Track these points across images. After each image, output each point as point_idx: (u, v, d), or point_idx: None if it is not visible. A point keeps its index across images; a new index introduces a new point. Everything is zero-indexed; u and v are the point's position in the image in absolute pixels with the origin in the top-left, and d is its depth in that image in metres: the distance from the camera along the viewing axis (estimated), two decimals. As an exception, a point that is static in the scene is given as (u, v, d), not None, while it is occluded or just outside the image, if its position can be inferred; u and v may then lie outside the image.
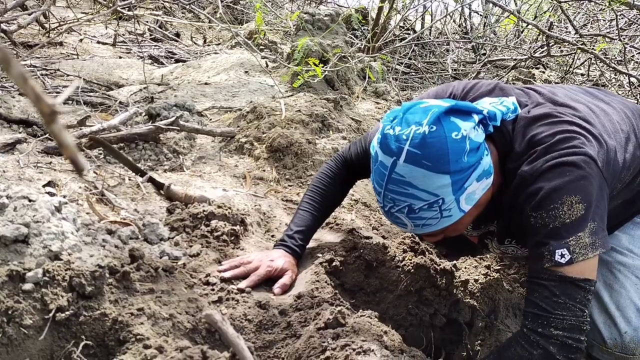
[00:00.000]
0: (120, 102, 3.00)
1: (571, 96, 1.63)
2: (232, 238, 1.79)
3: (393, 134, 1.35)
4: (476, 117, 1.39)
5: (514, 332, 1.60)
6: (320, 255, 1.82)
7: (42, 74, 3.22)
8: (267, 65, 3.93)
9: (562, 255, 1.35)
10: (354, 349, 1.24)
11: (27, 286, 1.20)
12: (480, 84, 1.67)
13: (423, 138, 1.30)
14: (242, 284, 1.56)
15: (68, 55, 3.91)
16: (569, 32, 5.68)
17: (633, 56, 5.29)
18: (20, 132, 2.29)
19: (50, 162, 2.06)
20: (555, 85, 1.66)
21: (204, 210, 1.83)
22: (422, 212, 1.37)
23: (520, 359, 1.41)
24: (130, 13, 4.29)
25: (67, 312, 1.21)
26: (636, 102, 4.26)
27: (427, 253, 1.94)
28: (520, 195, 1.41)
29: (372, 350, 1.24)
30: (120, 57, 4.27)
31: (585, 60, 5.61)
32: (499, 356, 1.46)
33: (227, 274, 1.57)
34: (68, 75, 3.33)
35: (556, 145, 1.39)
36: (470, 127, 1.35)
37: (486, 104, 1.49)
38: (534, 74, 5.65)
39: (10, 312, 1.16)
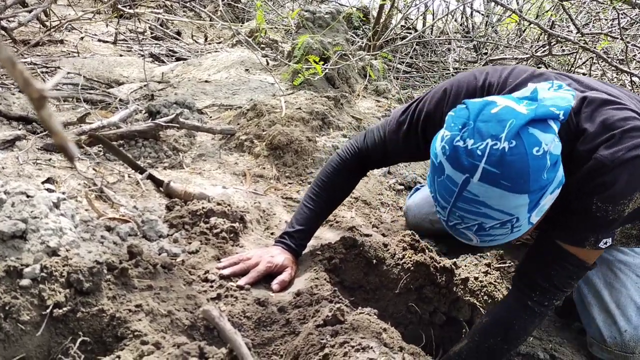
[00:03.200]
0: (120, 100, 3.00)
1: (600, 86, 1.55)
2: (232, 235, 1.79)
3: (464, 146, 1.19)
4: (554, 126, 1.24)
5: (507, 303, 1.58)
6: (319, 252, 1.82)
7: (42, 72, 3.21)
8: (267, 63, 3.93)
9: (605, 243, 1.37)
10: (352, 346, 1.24)
11: (25, 282, 1.20)
12: (518, 69, 1.53)
13: (502, 156, 1.15)
14: (242, 281, 1.55)
15: (69, 53, 3.91)
16: (571, 31, 5.66)
17: (635, 55, 5.28)
18: (19, 129, 2.29)
19: (50, 159, 2.05)
20: (574, 75, 1.60)
21: (203, 208, 1.83)
22: (492, 230, 1.26)
23: (523, 330, 1.51)
24: (131, 11, 4.29)
25: (65, 308, 1.21)
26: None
27: (427, 251, 1.94)
28: (593, 180, 1.30)
29: (371, 348, 1.24)
30: (120, 55, 4.26)
31: (587, 60, 5.59)
32: (505, 334, 1.52)
33: (226, 272, 1.56)
34: (69, 73, 3.33)
35: (632, 132, 1.29)
36: (551, 139, 1.20)
37: (547, 94, 1.31)
38: (535, 73, 5.63)
39: (7, 308, 1.16)
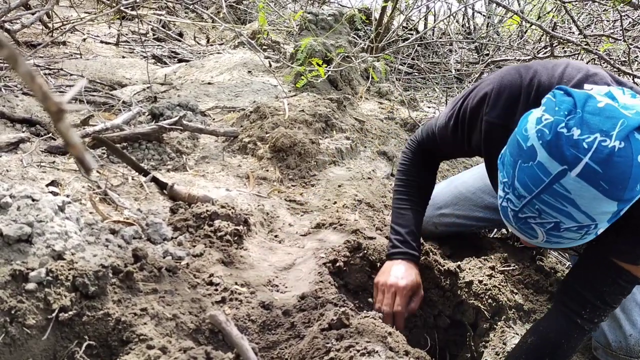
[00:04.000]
0: (123, 102, 3.00)
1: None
2: (236, 238, 1.79)
3: (569, 135, 1.08)
4: None
5: (555, 321, 1.54)
6: (324, 255, 1.82)
7: (45, 74, 3.22)
8: (270, 65, 3.93)
9: None
10: (358, 350, 1.24)
11: (30, 286, 1.20)
12: (571, 67, 1.40)
13: (610, 155, 1.06)
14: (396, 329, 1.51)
15: (71, 55, 3.91)
16: (573, 32, 5.66)
17: (637, 57, 5.28)
18: (23, 132, 2.29)
19: (54, 162, 2.05)
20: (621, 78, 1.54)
21: (207, 210, 1.83)
22: (565, 232, 1.16)
23: (572, 349, 1.51)
24: (134, 13, 4.29)
25: (70, 312, 1.21)
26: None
27: (430, 254, 1.94)
28: None
29: (377, 352, 1.24)
30: (123, 57, 4.27)
31: (589, 61, 5.59)
32: (553, 354, 1.50)
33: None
34: (71, 75, 3.33)
35: None
36: None
37: (628, 101, 1.19)
38: (537, 75, 5.62)
39: (13, 312, 1.16)
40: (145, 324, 1.26)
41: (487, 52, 6.81)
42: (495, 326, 1.82)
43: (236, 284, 1.59)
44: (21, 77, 0.33)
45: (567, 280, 1.54)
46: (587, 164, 1.06)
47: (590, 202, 1.09)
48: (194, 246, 1.71)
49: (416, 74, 6.10)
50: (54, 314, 1.20)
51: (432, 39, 6.46)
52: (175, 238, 1.74)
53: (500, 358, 1.72)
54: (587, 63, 5.39)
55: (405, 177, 1.83)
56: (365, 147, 2.96)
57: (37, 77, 0.34)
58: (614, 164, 1.06)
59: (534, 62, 1.49)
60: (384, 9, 5.03)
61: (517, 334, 1.76)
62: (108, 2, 4.77)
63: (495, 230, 2.38)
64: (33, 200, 1.38)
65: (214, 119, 3.02)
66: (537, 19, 6.15)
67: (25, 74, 0.33)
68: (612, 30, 5.09)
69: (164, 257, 1.60)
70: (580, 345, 1.56)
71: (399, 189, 1.82)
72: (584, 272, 1.47)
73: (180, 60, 4.45)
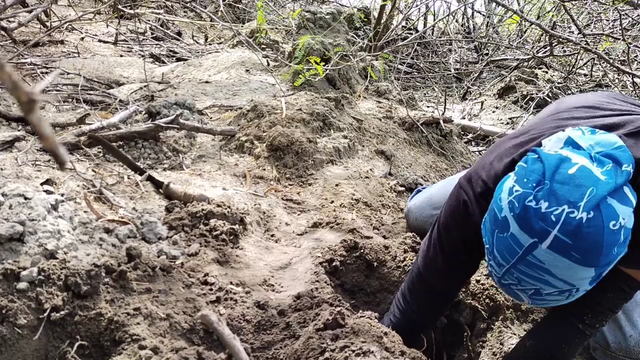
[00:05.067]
0: (120, 101, 2.99)
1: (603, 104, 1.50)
2: (231, 237, 1.77)
3: (537, 208, 1.09)
4: (631, 196, 1.13)
5: (555, 325, 1.53)
6: (320, 255, 1.80)
7: (42, 72, 3.20)
8: (268, 64, 3.92)
9: None
10: (353, 351, 1.22)
11: (22, 285, 1.18)
12: (500, 153, 1.41)
13: (578, 226, 1.06)
14: None
15: (69, 54, 3.90)
16: (572, 31, 5.65)
17: (637, 56, 5.26)
18: (19, 130, 2.27)
19: (49, 160, 2.04)
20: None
21: (203, 209, 1.82)
22: (548, 296, 1.18)
23: (572, 353, 1.49)
24: (132, 11, 4.28)
25: (62, 312, 1.19)
26: (640, 102, 4.23)
27: (428, 253, 1.92)
28: None
29: (372, 352, 1.22)
30: (121, 56, 4.25)
31: (589, 61, 5.58)
32: (553, 358, 1.48)
33: None
34: (68, 73, 3.32)
35: None
36: (629, 213, 1.11)
37: (592, 140, 1.20)
38: (536, 74, 5.62)
39: (4, 312, 1.15)
40: (138, 323, 1.25)
41: (487, 51, 6.80)
42: (492, 326, 1.81)
43: (231, 283, 1.57)
44: (-13, 65, 0.32)
45: None
46: (556, 236, 1.08)
47: (565, 271, 1.11)
48: (189, 245, 1.69)
49: (415, 73, 6.09)
50: (45, 314, 1.18)
51: (432, 38, 6.45)
52: (171, 237, 1.72)
53: (497, 358, 1.70)
54: (584, 63, 5.34)
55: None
56: (363, 146, 2.94)
57: (5, 66, 0.32)
58: (584, 235, 1.07)
59: (482, 157, 1.50)
60: (382, 7, 5.01)
61: (515, 334, 1.74)
62: (106, 0, 4.76)
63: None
64: (25, 198, 1.36)
65: (211, 118, 3.01)
66: (537, 19, 6.14)
67: (-8, 62, 0.31)
68: (611, 30, 5.08)
69: (158, 257, 1.58)
70: (580, 349, 1.55)
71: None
72: None
73: (178, 59, 4.44)
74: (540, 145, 1.30)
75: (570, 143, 1.20)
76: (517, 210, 1.12)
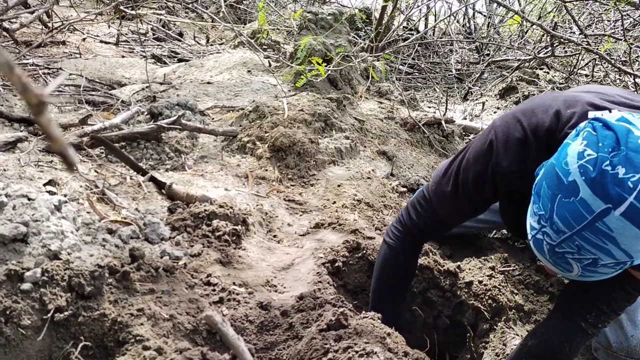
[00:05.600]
0: (122, 101, 2.99)
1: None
2: (234, 238, 1.77)
3: (613, 173, 1.07)
4: None
5: (557, 324, 1.52)
6: (322, 255, 1.80)
7: (44, 73, 3.21)
8: (269, 65, 3.92)
9: None
10: (356, 351, 1.22)
11: (26, 286, 1.18)
12: (564, 102, 1.38)
13: None
14: None
15: (71, 55, 3.90)
16: (574, 32, 5.64)
17: (638, 57, 5.26)
18: (21, 131, 2.28)
19: (52, 161, 2.04)
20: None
21: (205, 210, 1.82)
22: (602, 268, 1.16)
23: (574, 353, 1.48)
24: (133, 12, 4.28)
25: (66, 313, 1.20)
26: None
27: (430, 254, 1.93)
28: None
29: (375, 353, 1.22)
30: (123, 57, 4.26)
31: (590, 61, 5.57)
32: (554, 358, 1.48)
33: None
34: (70, 74, 3.32)
35: None
36: None
37: None
38: (538, 75, 5.62)
39: (8, 312, 1.15)
40: (141, 324, 1.25)
41: (488, 52, 6.80)
42: (495, 327, 1.81)
43: (234, 284, 1.57)
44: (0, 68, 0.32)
45: (574, 283, 1.52)
46: (631, 203, 1.05)
47: (631, 241, 1.09)
48: (192, 246, 1.70)
49: (416, 73, 6.09)
50: (49, 315, 1.18)
51: (433, 38, 6.45)
52: (173, 238, 1.73)
53: (500, 359, 1.70)
54: (586, 63, 5.34)
55: (384, 274, 1.69)
56: (364, 146, 2.94)
57: (15, 68, 0.33)
58: None
59: (526, 104, 1.45)
60: (384, 8, 5.02)
61: (518, 334, 1.74)
62: (108, 1, 4.76)
63: (495, 230, 2.37)
64: (29, 199, 1.37)
65: (213, 119, 3.01)
66: (538, 19, 6.14)
67: (3, 64, 0.31)
68: (613, 30, 5.08)
69: (161, 257, 1.58)
70: (582, 348, 1.55)
71: (377, 288, 1.70)
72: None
73: (180, 60, 4.44)
74: (586, 113, 1.28)
75: (625, 121, 1.17)
76: (591, 175, 1.08)
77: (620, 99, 1.41)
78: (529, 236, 1.25)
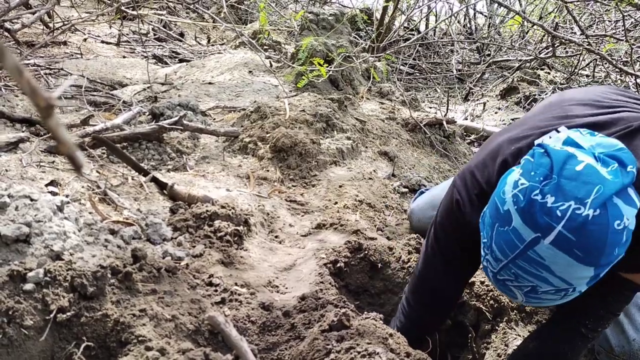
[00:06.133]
0: (123, 102, 2.99)
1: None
2: (236, 238, 1.78)
3: (543, 202, 1.07)
4: (635, 197, 1.12)
5: (557, 329, 1.52)
6: (324, 256, 1.80)
7: (45, 73, 3.21)
8: (271, 65, 3.92)
9: None
10: (358, 352, 1.22)
11: (28, 286, 1.19)
12: (507, 147, 1.39)
13: (584, 223, 1.05)
14: None
15: (72, 55, 3.90)
16: (575, 32, 5.64)
17: (639, 57, 5.25)
18: (23, 131, 2.28)
19: (53, 162, 2.04)
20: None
21: (207, 211, 1.82)
22: (544, 295, 1.16)
23: (576, 356, 1.49)
24: (135, 13, 4.28)
25: (69, 313, 1.20)
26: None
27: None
28: None
29: (378, 354, 1.22)
30: (124, 57, 4.26)
31: (591, 62, 5.57)
32: None
33: None
34: (72, 75, 3.32)
35: None
36: (632, 214, 1.10)
37: (593, 141, 1.19)
38: (539, 75, 5.62)
39: (10, 313, 1.15)
40: (144, 325, 1.25)
41: (489, 52, 6.80)
42: (497, 327, 1.81)
43: (236, 284, 1.58)
44: (8, 71, 0.32)
45: None
46: (560, 232, 1.06)
47: (565, 269, 1.09)
48: (194, 246, 1.70)
49: (417, 74, 6.09)
50: (51, 315, 1.18)
51: (434, 39, 6.45)
52: (175, 238, 1.73)
53: (503, 360, 1.70)
54: (587, 64, 5.33)
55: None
56: (366, 147, 2.94)
57: (24, 72, 0.33)
58: (588, 232, 1.05)
59: (478, 154, 1.49)
60: (385, 9, 5.02)
61: (519, 335, 1.74)
62: (109, 1, 4.76)
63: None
64: (31, 200, 1.37)
65: (214, 119, 3.01)
66: (539, 19, 6.14)
67: (12, 68, 0.32)
68: (614, 31, 5.08)
69: (163, 258, 1.59)
70: (584, 352, 1.55)
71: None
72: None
73: (181, 60, 4.44)
74: (532, 145, 1.29)
75: (571, 143, 1.19)
76: (521, 204, 1.10)
77: (585, 110, 1.42)
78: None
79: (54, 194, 1.64)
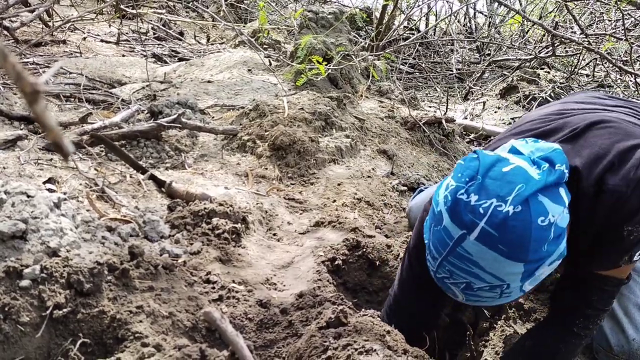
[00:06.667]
0: (122, 100, 2.99)
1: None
2: (234, 236, 1.77)
3: (467, 201, 1.13)
4: (565, 196, 1.17)
5: (551, 328, 1.54)
6: (322, 254, 1.80)
7: (44, 72, 3.21)
8: (270, 64, 3.92)
9: (638, 255, 1.33)
10: (356, 349, 1.22)
11: (25, 283, 1.18)
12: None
13: (504, 220, 1.09)
14: None
15: (71, 54, 3.90)
16: (575, 31, 5.64)
17: (639, 56, 5.25)
18: (21, 129, 2.28)
19: (51, 159, 2.04)
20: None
21: (205, 208, 1.82)
22: (480, 292, 1.20)
23: (572, 353, 1.51)
24: (134, 11, 4.28)
25: (65, 310, 1.19)
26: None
27: (430, 252, 1.92)
28: (618, 211, 1.25)
29: (375, 350, 1.22)
30: (123, 56, 4.26)
31: (591, 61, 5.57)
32: (553, 358, 1.50)
33: None
34: (71, 73, 3.32)
35: (628, 152, 1.28)
36: (560, 211, 1.14)
37: (534, 147, 1.26)
38: (539, 74, 5.62)
39: (7, 309, 1.14)
40: (140, 321, 1.25)
41: (489, 51, 6.79)
42: (495, 325, 1.81)
43: (234, 282, 1.57)
44: (-7, 55, 0.31)
45: (558, 295, 1.56)
46: (483, 228, 1.11)
47: (492, 264, 1.13)
48: (191, 244, 1.69)
49: (417, 73, 6.09)
50: (48, 311, 1.18)
51: (433, 38, 6.44)
52: (173, 236, 1.72)
53: (500, 357, 1.70)
54: (587, 63, 5.33)
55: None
56: (365, 145, 2.94)
57: (9, 56, 0.32)
58: (510, 228, 1.09)
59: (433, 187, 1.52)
60: (384, 7, 5.02)
61: (518, 333, 1.74)
62: (108, 0, 4.76)
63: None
64: (28, 196, 1.37)
65: (213, 117, 3.01)
66: (539, 19, 6.13)
67: (-4, 52, 0.31)
68: (614, 30, 5.07)
69: (160, 255, 1.58)
70: (580, 349, 1.55)
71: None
72: (573, 288, 1.48)
73: (180, 59, 4.44)
74: None
75: (514, 151, 1.25)
76: (449, 203, 1.16)
77: (535, 125, 1.46)
78: None
79: (51, 191, 1.64)
